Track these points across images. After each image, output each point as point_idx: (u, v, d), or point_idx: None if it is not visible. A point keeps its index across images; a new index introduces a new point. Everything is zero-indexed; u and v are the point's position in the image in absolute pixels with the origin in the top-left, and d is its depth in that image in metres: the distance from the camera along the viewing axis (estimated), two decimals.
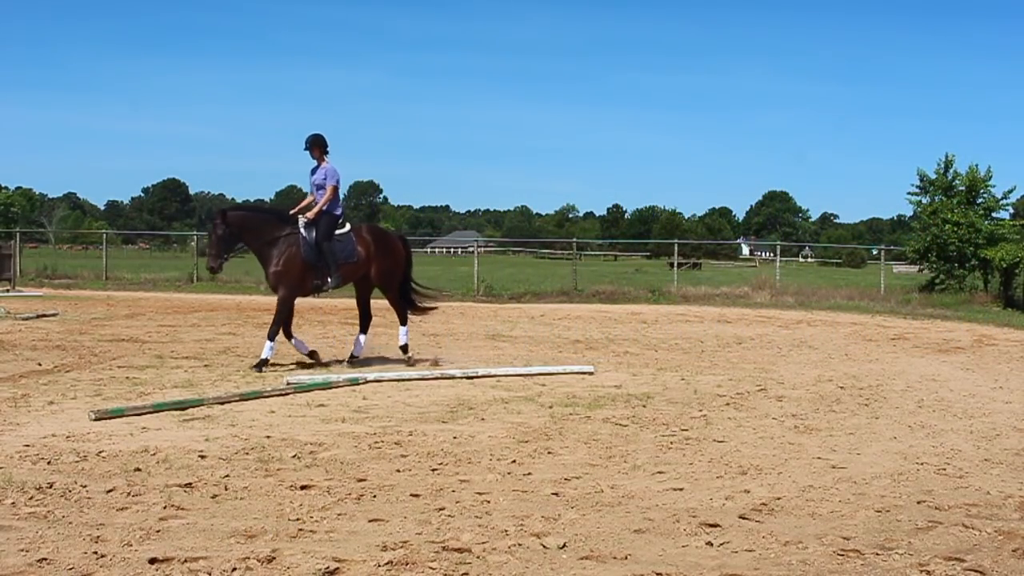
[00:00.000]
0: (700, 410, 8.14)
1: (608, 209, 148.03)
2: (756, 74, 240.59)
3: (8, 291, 23.14)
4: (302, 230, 10.21)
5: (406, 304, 11.40)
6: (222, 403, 7.81)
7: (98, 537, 4.21)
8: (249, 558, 3.98)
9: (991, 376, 10.88)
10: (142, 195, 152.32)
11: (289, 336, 10.38)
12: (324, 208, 10.32)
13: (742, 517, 4.84)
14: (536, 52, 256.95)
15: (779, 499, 5.24)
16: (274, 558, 4.00)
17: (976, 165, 27.13)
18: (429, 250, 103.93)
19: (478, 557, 4.11)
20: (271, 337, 10.05)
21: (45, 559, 3.93)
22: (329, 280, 10.27)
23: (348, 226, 10.65)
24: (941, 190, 27.24)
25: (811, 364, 11.52)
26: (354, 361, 10.65)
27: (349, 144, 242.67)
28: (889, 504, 5.18)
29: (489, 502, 5.05)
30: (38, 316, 15.82)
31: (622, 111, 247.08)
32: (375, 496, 5.11)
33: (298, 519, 4.62)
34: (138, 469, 5.56)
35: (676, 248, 35.32)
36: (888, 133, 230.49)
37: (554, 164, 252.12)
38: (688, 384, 9.69)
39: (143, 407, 7.42)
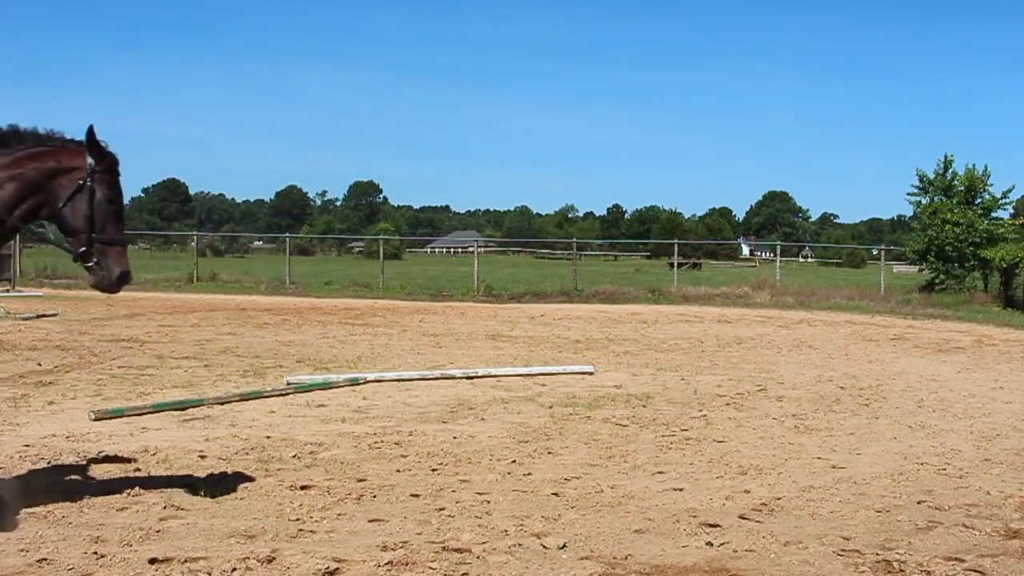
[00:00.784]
0: (700, 410, 8.14)
1: (608, 209, 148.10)
2: (756, 74, 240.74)
3: (8, 291, 23.15)
4: None
5: None
6: (222, 403, 7.81)
7: (98, 537, 4.21)
8: (249, 558, 3.98)
9: (991, 376, 10.88)
10: (142, 195, 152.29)
11: None
12: None
13: (742, 517, 4.84)
14: (536, 52, 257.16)
15: (779, 499, 5.24)
16: (274, 558, 4.00)
17: (974, 165, 27.18)
18: (429, 250, 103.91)
19: (478, 557, 4.11)
20: None
21: (45, 559, 3.93)
22: None
23: None
24: (941, 190, 27.26)
25: (811, 364, 11.52)
26: None
27: (349, 144, 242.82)
28: (889, 504, 5.18)
29: (489, 502, 5.05)
30: (38, 316, 15.82)
31: (622, 111, 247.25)
32: (375, 496, 5.11)
33: (298, 519, 4.62)
34: (138, 469, 5.55)
35: (676, 248, 35.30)
36: (888, 133, 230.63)
37: (554, 164, 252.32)
38: (688, 384, 9.69)
39: (143, 407, 7.42)
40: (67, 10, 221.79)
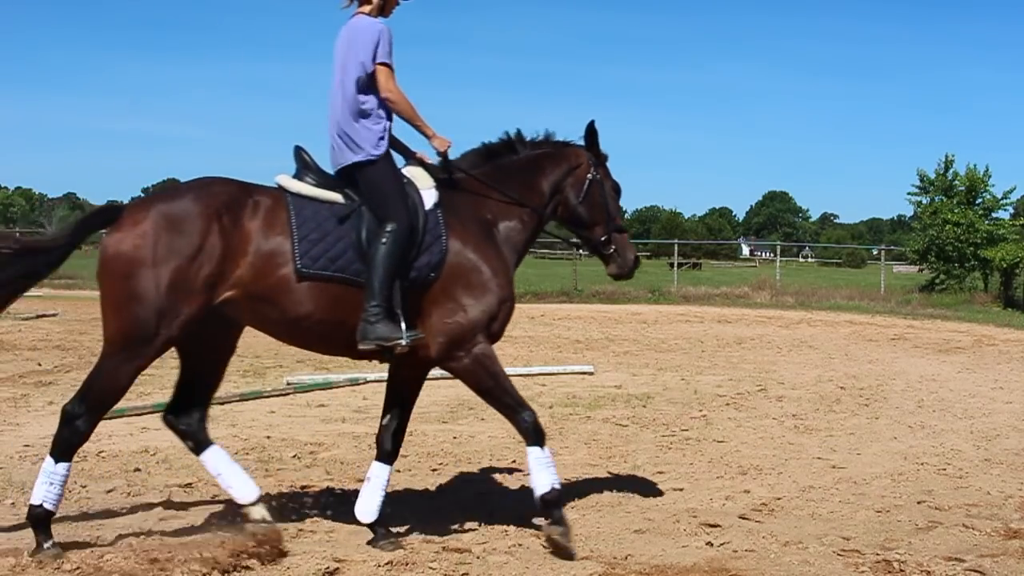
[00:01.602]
0: (700, 410, 8.14)
1: None
2: (756, 74, 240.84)
3: None
4: None
5: None
6: (222, 403, 7.79)
7: (98, 537, 4.21)
8: (250, 558, 3.97)
9: (991, 376, 10.88)
10: (142, 195, 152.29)
11: None
12: None
13: (742, 517, 4.84)
14: (536, 51, 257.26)
15: (779, 499, 5.24)
16: (274, 558, 3.99)
17: (975, 165, 27.17)
18: None
19: (478, 557, 4.11)
20: None
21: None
22: None
23: None
24: (941, 190, 27.25)
25: (811, 364, 11.52)
26: None
27: None
28: (889, 504, 5.17)
29: (489, 502, 5.04)
30: (38, 316, 15.83)
31: (622, 111, 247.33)
32: None
33: (298, 519, 4.62)
34: (138, 469, 5.56)
35: (676, 248, 35.32)
36: (888, 133, 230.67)
37: None
38: (688, 384, 9.69)
39: (143, 407, 7.42)
40: (67, 10, 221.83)
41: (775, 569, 4.07)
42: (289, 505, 4.86)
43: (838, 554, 4.27)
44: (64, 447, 3.95)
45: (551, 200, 4.61)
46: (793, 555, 4.25)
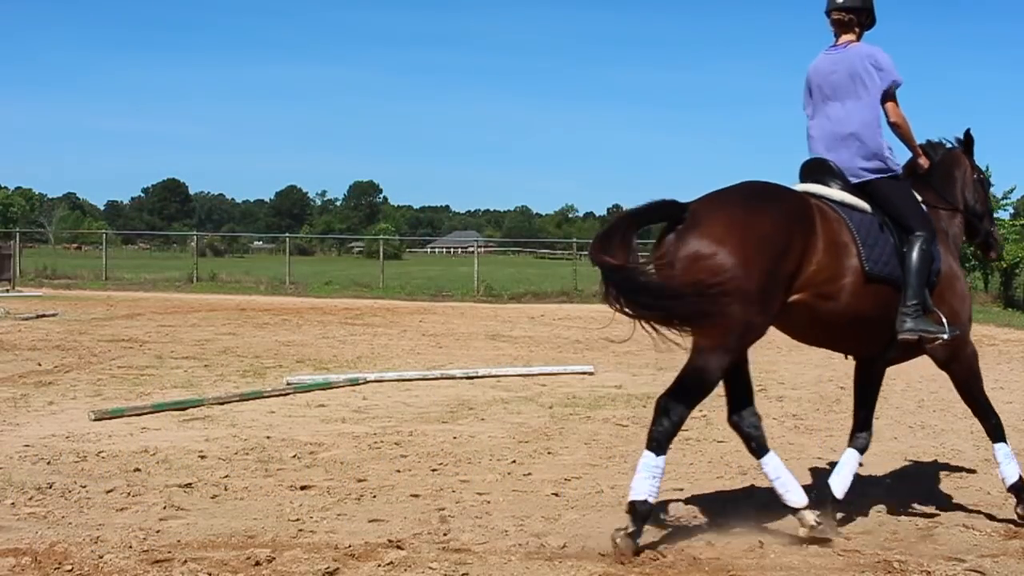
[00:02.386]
0: (700, 410, 8.09)
1: (608, 209, 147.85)
2: (756, 73, 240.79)
3: (8, 291, 23.15)
4: None
5: None
6: (222, 403, 7.81)
7: (98, 537, 4.21)
8: (249, 558, 3.98)
9: (991, 376, 10.85)
10: (142, 195, 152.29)
11: None
12: None
13: (742, 517, 4.84)
14: (536, 51, 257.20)
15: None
16: (274, 558, 3.99)
17: None
18: (429, 250, 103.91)
19: (478, 557, 4.11)
20: None
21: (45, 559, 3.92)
22: None
23: None
24: None
25: (811, 364, 11.52)
26: None
27: (349, 144, 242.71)
28: (889, 504, 5.17)
29: (489, 502, 5.05)
30: (38, 316, 15.83)
31: (622, 110, 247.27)
32: (375, 496, 5.11)
33: (298, 519, 4.62)
34: (138, 469, 5.55)
35: None
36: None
37: (554, 164, 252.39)
38: None
39: (143, 407, 7.42)
40: (67, 10, 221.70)
41: (775, 569, 4.06)
42: (289, 505, 4.86)
43: (838, 554, 4.27)
44: (661, 440, 4.14)
45: (964, 201, 5.10)
46: (793, 555, 4.25)
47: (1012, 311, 21.61)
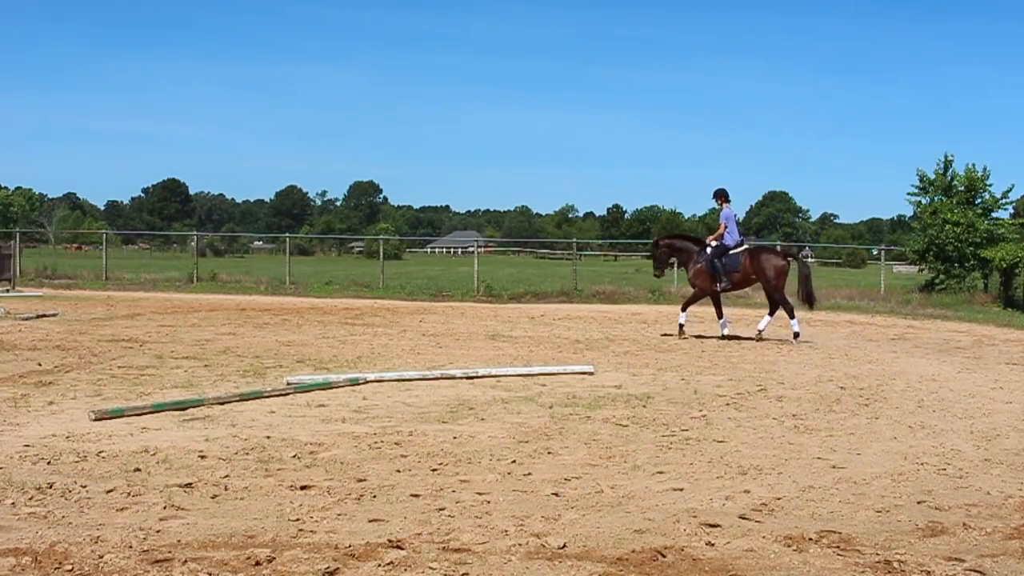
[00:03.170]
0: (700, 410, 8.14)
1: (608, 209, 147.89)
2: (756, 73, 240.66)
3: (8, 291, 23.15)
4: (708, 251, 15.04)
5: (774, 303, 15.06)
6: (222, 403, 7.81)
7: (98, 537, 4.21)
8: (249, 558, 3.98)
9: (991, 376, 10.88)
10: (142, 195, 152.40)
11: (684, 308, 15.49)
12: (717, 240, 15.07)
13: (742, 517, 4.84)
14: (536, 51, 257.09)
15: (779, 499, 5.24)
16: (274, 558, 4.00)
17: (974, 165, 27.18)
18: (429, 250, 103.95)
19: (478, 557, 4.11)
20: (683, 309, 15.44)
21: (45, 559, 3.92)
22: (721, 282, 14.86)
23: (740, 249, 14.99)
24: (941, 190, 27.26)
25: (811, 364, 11.52)
26: (759, 336, 14.71)
27: (349, 144, 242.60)
28: (889, 504, 5.18)
29: (489, 502, 5.05)
30: (38, 316, 15.83)
31: (622, 111, 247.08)
32: (375, 496, 5.11)
33: (298, 519, 4.62)
34: (138, 469, 5.55)
35: None
36: (888, 133, 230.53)
37: (554, 164, 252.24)
38: (688, 384, 9.69)
39: (143, 407, 7.42)
40: (67, 9, 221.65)
41: (775, 569, 4.07)
42: (289, 505, 4.86)
43: (838, 554, 4.27)
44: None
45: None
46: (793, 555, 4.25)
47: (1012, 311, 21.59)
